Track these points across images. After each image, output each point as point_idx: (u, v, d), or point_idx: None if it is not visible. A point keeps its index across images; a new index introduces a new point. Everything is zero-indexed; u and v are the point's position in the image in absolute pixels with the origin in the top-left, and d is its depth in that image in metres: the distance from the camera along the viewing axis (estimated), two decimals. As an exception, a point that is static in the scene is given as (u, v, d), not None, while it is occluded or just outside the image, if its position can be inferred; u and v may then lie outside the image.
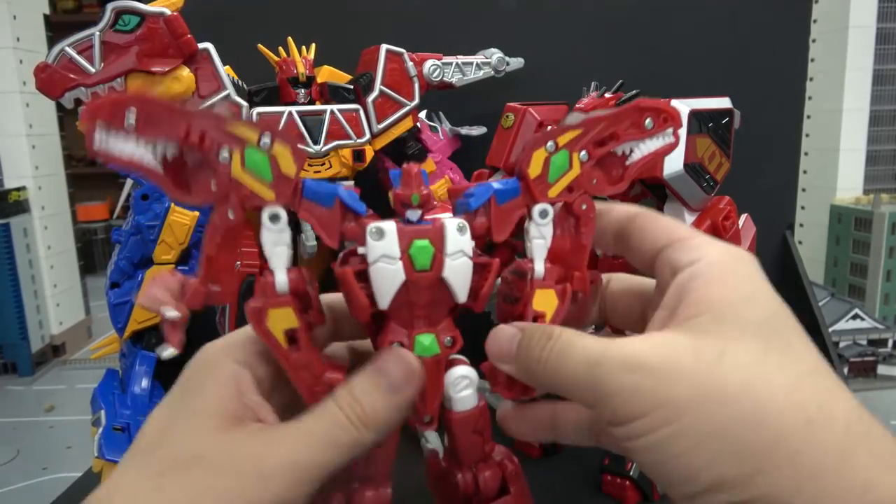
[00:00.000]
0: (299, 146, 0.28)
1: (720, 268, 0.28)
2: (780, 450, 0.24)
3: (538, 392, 0.32)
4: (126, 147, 0.26)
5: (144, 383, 0.51)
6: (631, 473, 0.50)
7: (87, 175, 3.05)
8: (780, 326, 0.27)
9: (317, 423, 0.28)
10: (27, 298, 2.14)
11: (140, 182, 0.52)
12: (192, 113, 0.27)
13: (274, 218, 0.28)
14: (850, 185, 2.17)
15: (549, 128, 0.31)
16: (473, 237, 0.31)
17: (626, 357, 0.26)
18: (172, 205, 0.52)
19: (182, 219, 0.52)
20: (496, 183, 0.31)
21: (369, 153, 0.60)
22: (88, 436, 0.50)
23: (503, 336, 0.30)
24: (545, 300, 0.31)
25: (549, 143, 0.31)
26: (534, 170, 0.31)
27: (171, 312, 0.27)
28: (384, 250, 0.29)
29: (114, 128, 0.26)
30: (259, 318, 0.28)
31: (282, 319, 0.28)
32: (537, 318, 0.31)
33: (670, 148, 0.32)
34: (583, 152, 0.31)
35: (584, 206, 0.31)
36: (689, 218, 0.50)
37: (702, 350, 0.26)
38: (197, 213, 0.53)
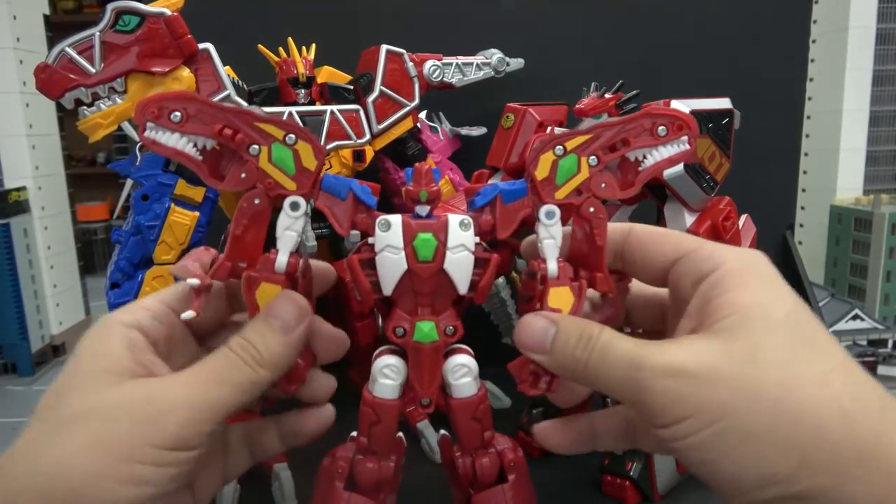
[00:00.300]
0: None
1: (740, 273, 0.29)
2: (821, 442, 0.25)
3: (564, 392, 0.33)
4: (171, 139, 0.30)
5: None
6: (631, 474, 0.50)
7: (87, 175, 3.05)
8: (803, 322, 0.28)
9: (211, 366, 0.29)
10: (27, 298, 2.13)
11: (140, 182, 0.52)
12: (227, 110, 0.30)
13: (294, 206, 0.31)
14: (850, 185, 2.17)
15: (560, 131, 0.31)
16: (478, 233, 0.32)
17: (666, 363, 0.27)
18: (172, 205, 0.52)
19: (182, 219, 0.52)
20: (503, 183, 0.33)
21: (369, 153, 0.60)
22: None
23: (535, 328, 0.31)
24: (560, 298, 0.32)
25: (558, 147, 0.32)
26: (541, 172, 0.32)
27: (192, 280, 0.30)
28: (389, 241, 0.31)
29: (161, 123, 0.30)
30: (251, 285, 0.31)
31: (269, 294, 0.31)
32: None
33: (685, 155, 0.33)
34: (592, 157, 0.32)
35: (591, 209, 0.32)
36: (689, 218, 0.50)
37: (735, 352, 0.27)
38: (197, 214, 0.53)
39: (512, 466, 0.35)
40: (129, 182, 0.55)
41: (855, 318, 2.01)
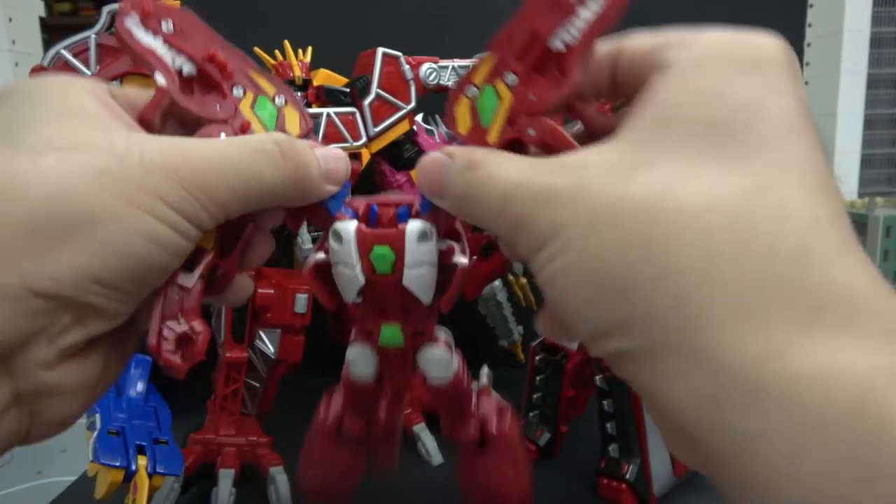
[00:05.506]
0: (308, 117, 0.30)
1: (704, 59, 0.22)
2: (671, 285, 0.18)
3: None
4: (150, 41, 0.26)
5: (140, 387, 0.51)
6: (627, 477, 0.50)
7: (83, 178, 3.05)
8: (752, 130, 0.19)
9: (245, 139, 0.26)
10: (22, 301, 2.13)
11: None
12: (226, 46, 0.28)
13: None
14: (845, 188, 2.18)
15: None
16: (444, 232, 0.29)
17: (541, 186, 0.21)
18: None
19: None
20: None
21: (365, 156, 0.60)
22: (83, 440, 0.50)
23: (432, 165, 0.25)
24: None
25: (469, 88, 0.26)
26: (462, 124, 0.27)
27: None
28: (342, 256, 0.28)
29: (148, 24, 0.26)
30: None
31: None
32: None
33: (612, 8, 0.24)
34: (509, 75, 0.25)
35: (531, 132, 0.25)
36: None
37: (618, 165, 0.20)
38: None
39: (492, 435, 0.34)
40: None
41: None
